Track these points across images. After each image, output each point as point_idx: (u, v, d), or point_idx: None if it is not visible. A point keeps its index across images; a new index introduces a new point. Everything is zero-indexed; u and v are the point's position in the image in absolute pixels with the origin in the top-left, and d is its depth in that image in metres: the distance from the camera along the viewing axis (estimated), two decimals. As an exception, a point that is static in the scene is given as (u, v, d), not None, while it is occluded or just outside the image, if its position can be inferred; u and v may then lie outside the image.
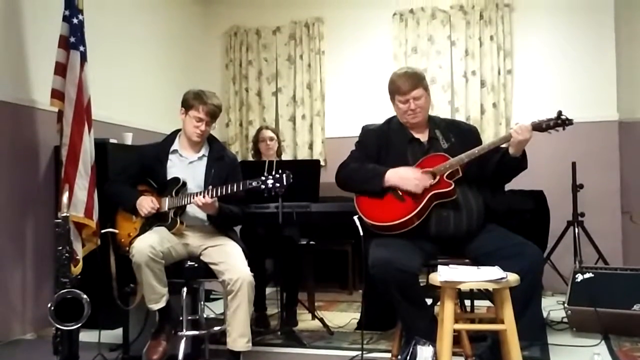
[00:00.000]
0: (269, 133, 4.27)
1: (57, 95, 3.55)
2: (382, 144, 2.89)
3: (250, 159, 5.33)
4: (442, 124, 2.95)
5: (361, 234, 2.66)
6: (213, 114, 3.09)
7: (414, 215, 2.62)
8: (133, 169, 3.22)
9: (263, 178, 2.86)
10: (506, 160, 2.72)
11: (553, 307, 4.12)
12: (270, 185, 2.84)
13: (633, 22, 5.21)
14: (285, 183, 2.84)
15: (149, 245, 2.80)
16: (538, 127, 2.70)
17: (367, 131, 2.99)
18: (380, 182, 2.72)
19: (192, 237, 3.07)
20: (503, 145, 2.75)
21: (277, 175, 2.84)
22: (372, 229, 2.69)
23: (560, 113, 2.70)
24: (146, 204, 3.02)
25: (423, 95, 2.82)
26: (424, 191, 2.65)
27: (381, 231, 2.67)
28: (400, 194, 2.69)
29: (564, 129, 2.71)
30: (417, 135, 2.88)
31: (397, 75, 2.87)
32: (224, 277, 2.87)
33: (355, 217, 2.71)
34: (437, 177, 2.68)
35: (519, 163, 2.73)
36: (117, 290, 3.05)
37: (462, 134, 2.90)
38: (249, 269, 2.90)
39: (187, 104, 3.10)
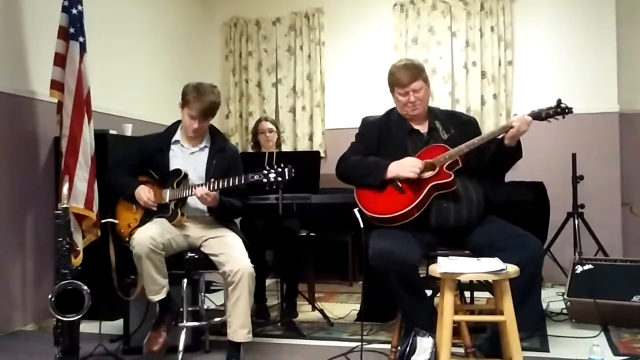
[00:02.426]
0: (268, 125, 4.24)
1: (57, 86, 3.54)
2: (382, 136, 2.88)
3: (250, 150, 5.34)
4: (441, 115, 2.94)
5: (361, 226, 2.65)
6: (204, 113, 3.04)
7: (414, 206, 2.62)
8: (134, 159, 3.23)
9: (265, 171, 2.85)
10: (501, 151, 2.72)
11: (552, 298, 4.13)
12: (272, 179, 2.84)
13: (634, 14, 5.19)
14: (287, 177, 2.84)
15: (149, 236, 2.81)
16: (537, 116, 2.69)
17: (367, 123, 2.98)
18: (382, 175, 2.72)
19: (193, 228, 3.08)
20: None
21: (279, 169, 2.84)
22: (372, 221, 2.69)
23: (559, 101, 2.69)
24: (144, 194, 3.03)
25: (423, 87, 2.81)
26: (423, 182, 2.65)
27: (381, 223, 2.66)
28: (400, 185, 2.69)
29: (563, 117, 2.70)
30: (417, 127, 2.87)
31: (396, 67, 2.85)
32: (224, 268, 2.87)
33: (356, 210, 2.70)
34: (437, 168, 2.67)
35: (514, 153, 2.73)
36: (117, 281, 3.06)
37: (461, 125, 2.89)
38: (249, 260, 2.91)
39: (183, 99, 3.08)
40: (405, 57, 5.49)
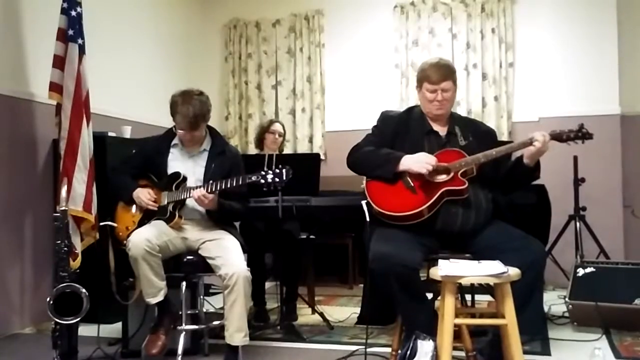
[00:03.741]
0: (280, 128, 4.33)
1: (56, 88, 3.53)
2: (399, 132, 2.85)
3: (250, 152, 5.34)
4: (461, 122, 2.92)
5: (367, 219, 2.63)
6: (191, 125, 3.01)
7: (425, 208, 2.59)
8: (136, 160, 3.23)
9: (263, 172, 2.84)
10: (520, 169, 2.70)
11: (554, 301, 4.12)
12: (270, 180, 2.82)
13: (635, 15, 5.19)
14: (285, 178, 2.82)
15: (145, 238, 2.80)
16: (558, 137, 2.68)
17: (386, 117, 2.95)
18: (394, 167, 2.68)
19: (191, 230, 3.06)
20: (518, 153, 2.72)
21: (277, 170, 2.82)
22: (379, 217, 2.65)
23: (582, 126, 2.69)
24: (144, 196, 3.02)
25: (451, 89, 2.79)
26: (437, 185, 2.63)
27: (389, 220, 2.63)
28: (412, 185, 2.66)
29: (583, 142, 2.70)
30: (436, 128, 2.85)
31: (429, 64, 2.83)
32: (220, 271, 2.86)
33: (364, 202, 2.68)
34: (452, 174, 2.66)
35: (532, 172, 2.71)
36: (115, 285, 3.05)
37: (480, 135, 2.86)
38: (245, 263, 2.90)
39: (171, 111, 3.06)
40: (406, 59, 5.51)
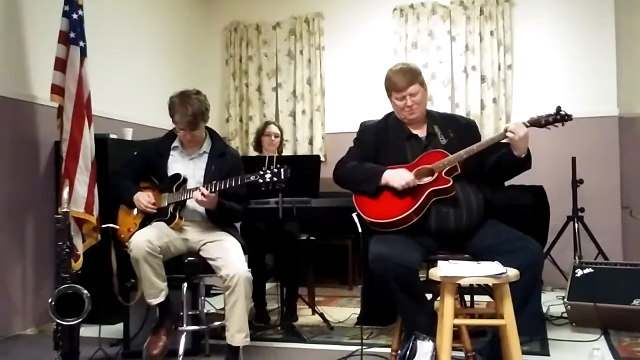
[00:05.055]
0: (275, 129, 4.33)
1: (57, 90, 3.56)
2: (380, 141, 2.87)
3: (250, 154, 5.35)
4: (440, 119, 2.93)
5: (360, 231, 2.65)
6: (190, 124, 3.04)
7: (412, 212, 2.61)
8: (137, 163, 3.25)
9: (261, 172, 2.85)
10: (510, 160, 2.69)
11: (553, 302, 4.13)
12: (268, 180, 2.84)
13: (633, 17, 5.21)
14: (283, 177, 2.83)
15: (146, 239, 2.82)
16: (537, 122, 2.67)
17: (365, 128, 2.98)
18: (376, 182, 2.72)
19: (192, 232, 3.08)
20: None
21: (276, 170, 2.84)
22: (370, 227, 2.68)
23: (559, 109, 2.67)
24: (143, 200, 3.04)
25: (419, 91, 2.80)
26: (422, 188, 2.65)
27: (380, 228, 2.66)
28: (399, 190, 2.69)
29: (563, 124, 2.68)
30: (415, 131, 2.86)
31: (393, 71, 2.85)
32: (221, 272, 2.87)
33: (354, 215, 2.70)
34: (436, 174, 2.67)
35: (524, 164, 2.70)
36: (117, 286, 3.06)
37: (460, 129, 2.87)
38: (245, 264, 2.91)
39: (170, 112, 3.09)
40: (404, 61, 5.52)
